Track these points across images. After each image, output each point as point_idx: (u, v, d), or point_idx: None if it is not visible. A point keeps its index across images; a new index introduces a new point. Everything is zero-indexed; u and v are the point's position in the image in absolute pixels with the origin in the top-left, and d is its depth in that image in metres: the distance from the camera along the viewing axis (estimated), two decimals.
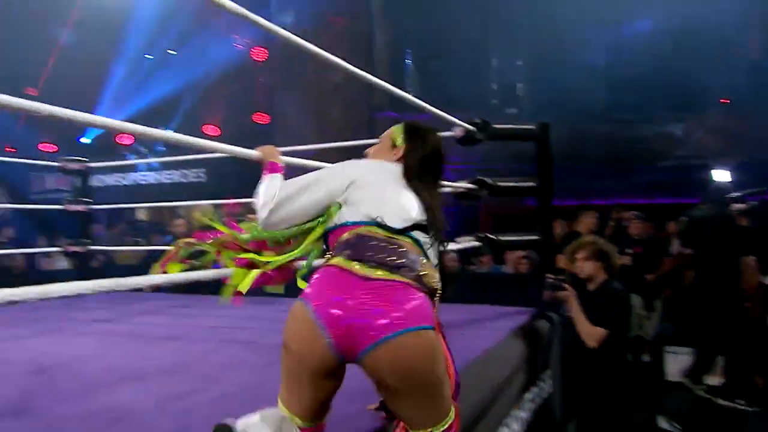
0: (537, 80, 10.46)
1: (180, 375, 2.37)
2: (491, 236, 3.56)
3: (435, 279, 1.36)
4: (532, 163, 3.79)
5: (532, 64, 10.61)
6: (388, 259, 1.29)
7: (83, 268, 5.59)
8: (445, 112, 3.26)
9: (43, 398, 2.09)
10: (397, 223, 1.39)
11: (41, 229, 7.67)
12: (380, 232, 1.37)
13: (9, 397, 2.10)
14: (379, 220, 1.39)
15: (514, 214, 8.76)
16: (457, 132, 3.58)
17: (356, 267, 1.27)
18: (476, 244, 3.55)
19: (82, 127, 10.31)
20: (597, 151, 9.17)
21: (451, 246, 3.52)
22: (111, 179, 10.20)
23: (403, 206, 1.45)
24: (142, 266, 6.19)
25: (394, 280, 1.26)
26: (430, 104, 3.08)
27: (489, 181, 3.64)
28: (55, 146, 10.25)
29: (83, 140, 10.74)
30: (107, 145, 10.34)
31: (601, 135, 9.46)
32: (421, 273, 1.31)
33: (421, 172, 1.55)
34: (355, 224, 1.40)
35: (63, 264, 6.22)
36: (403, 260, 1.30)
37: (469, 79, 9.76)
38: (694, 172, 8.87)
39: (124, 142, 9.99)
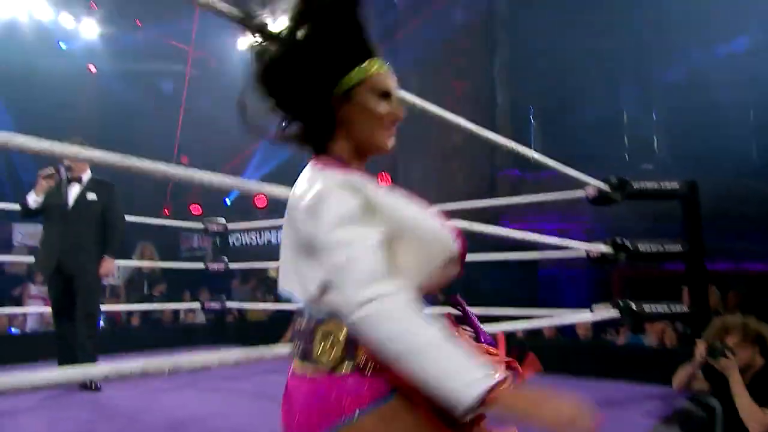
0: (674, 133, 9.72)
1: None
2: (632, 304, 3.20)
3: (328, 347, 0.96)
4: (673, 222, 3.41)
5: (668, 115, 9.90)
6: (299, 349, 1.02)
7: (218, 323, 5.91)
8: (573, 169, 3.06)
9: None
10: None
11: (188, 284, 8.29)
12: None
13: None
14: None
15: (653, 278, 8.00)
16: (589, 191, 3.33)
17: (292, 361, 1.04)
18: (614, 314, 3.20)
19: (226, 190, 11.22)
20: (749, 209, 8.16)
21: (586, 316, 3.23)
22: (246, 238, 10.91)
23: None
24: (271, 323, 6.44)
25: (299, 375, 1.00)
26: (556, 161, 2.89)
27: (628, 243, 3.31)
28: (200, 208, 11.22)
29: (227, 201, 11.68)
30: (245, 206, 11.12)
31: (754, 190, 8.44)
32: (314, 350, 0.96)
33: None
34: None
35: (202, 318, 6.62)
36: (304, 346, 0.99)
37: (598, 134, 9.30)
38: None
39: (259, 205, 10.69)
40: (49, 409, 3.00)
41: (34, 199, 3.57)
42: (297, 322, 1.04)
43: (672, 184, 3.40)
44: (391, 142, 1.14)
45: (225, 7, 1.60)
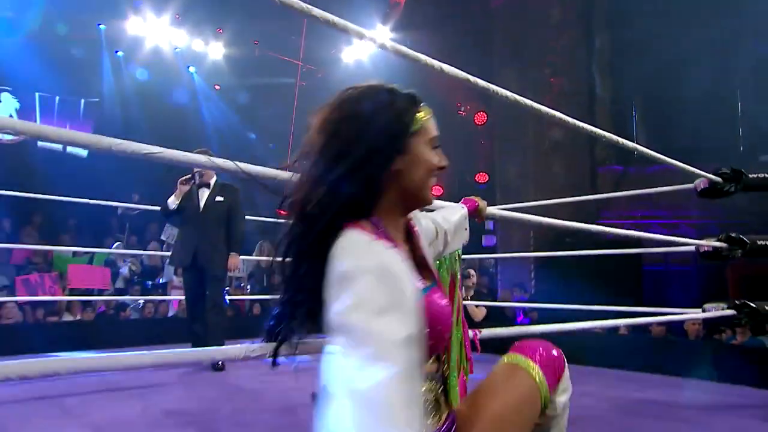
0: None
1: None
2: (752, 304, 2.86)
3: None
4: None
5: None
6: None
7: None
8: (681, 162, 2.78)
9: None
10: None
11: None
12: None
13: None
14: None
15: None
16: (699, 184, 3.02)
17: None
18: (730, 312, 2.88)
19: None
20: None
21: (697, 314, 2.94)
22: None
23: None
24: None
25: None
26: (662, 154, 2.64)
27: (744, 238, 2.97)
28: None
29: None
30: None
31: None
32: None
33: None
34: None
35: None
36: None
37: (707, 125, 8.46)
38: None
39: None
40: (182, 385, 3.24)
41: (172, 202, 3.91)
42: None
43: None
44: (433, 196, 1.05)
45: (330, 17, 1.62)
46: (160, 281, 7.77)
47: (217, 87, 11.65)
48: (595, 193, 7.22)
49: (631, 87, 9.66)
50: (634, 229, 3.01)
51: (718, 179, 2.99)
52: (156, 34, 9.87)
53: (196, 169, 3.85)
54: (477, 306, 5.30)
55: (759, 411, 2.62)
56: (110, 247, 7.85)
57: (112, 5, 9.16)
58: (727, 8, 8.27)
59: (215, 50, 10.85)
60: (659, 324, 4.71)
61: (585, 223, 2.52)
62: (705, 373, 3.56)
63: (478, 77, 1.88)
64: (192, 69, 11.10)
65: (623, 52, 9.42)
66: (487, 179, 10.38)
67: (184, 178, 3.89)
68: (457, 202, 1.69)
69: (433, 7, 9.81)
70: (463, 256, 1.48)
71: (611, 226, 2.96)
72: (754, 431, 2.27)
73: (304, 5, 1.41)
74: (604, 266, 6.33)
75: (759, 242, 2.97)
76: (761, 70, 8.88)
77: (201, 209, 3.86)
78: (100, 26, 9.76)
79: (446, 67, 1.80)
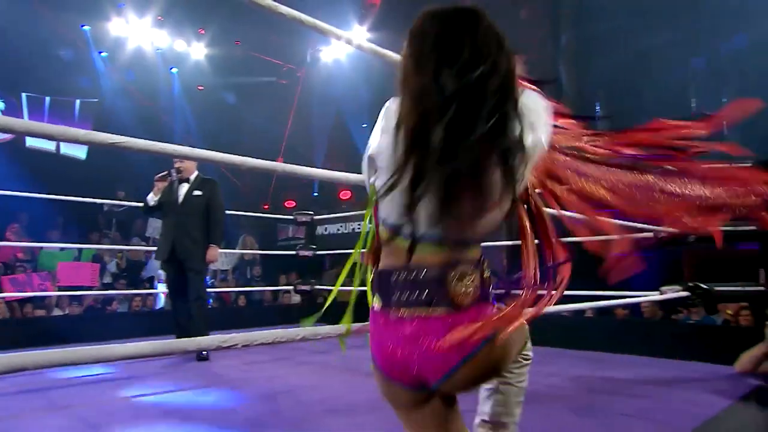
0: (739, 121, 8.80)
1: (384, 411, 2.31)
2: (703, 286, 2.92)
3: (466, 286, 1.00)
4: None
5: (740, 96, 8.98)
6: (416, 297, 1.00)
7: (311, 304, 6.08)
8: None
9: (267, 426, 2.18)
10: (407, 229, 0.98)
11: (284, 269, 8.60)
12: (399, 244, 1.01)
13: (244, 419, 2.24)
14: (391, 223, 1.02)
15: (725, 258, 7.30)
16: None
17: (392, 311, 1.03)
18: (684, 294, 2.94)
19: (312, 183, 11.53)
20: None
21: (655, 296, 2.99)
22: (333, 228, 11.15)
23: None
24: (358, 303, 6.53)
25: (431, 317, 0.99)
26: None
27: None
28: (294, 202, 11.59)
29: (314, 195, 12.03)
30: (333, 199, 11.36)
31: None
32: (451, 292, 0.99)
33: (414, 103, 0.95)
34: (383, 233, 1.05)
35: (297, 299, 6.84)
36: (430, 293, 0.99)
37: (668, 115, 8.59)
38: None
39: (343, 198, 10.89)
40: (167, 375, 3.20)
41: (151, 198, 3.84)
42: (398, 277, 1.02)
43: (743, 164, 3.06)
44: None
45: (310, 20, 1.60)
46: (148, 276, 7.66)
47: (200, 88, 11.46)
48: None
49: (595, 82, 9.76)
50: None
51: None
52: (138, 35, 9.65)
53: (176, 165, 3.79)
54: None
55: (709, 384, 2.69)
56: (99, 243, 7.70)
57: (95, 7, 8.94)
58: (687, 7, 8.38)
59: (197, 50, 10.66)
60: (624, 306, 4.78)
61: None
62: (663, 351, 3.63)
63: None
64: (174, 70, 10.90)
65: (589, 48, 9.51)
66: None
67: (159, 174, 3.83)
68: None
69: (408, 7, 9.74)
70: None
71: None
72: (704, 403, 2.33)
73: (271, 3, 1.38)
74: (571, 252, 6.40)
75: None
76: (716, 67, 9.06)
77: (179, 203, 3.79)
78: (84, 27, 9.51)
79: None
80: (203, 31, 10.37)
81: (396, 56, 1.74)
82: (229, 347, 1.51)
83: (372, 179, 1.09)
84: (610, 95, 9.78)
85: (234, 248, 8.73)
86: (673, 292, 2.97)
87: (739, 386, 2.61)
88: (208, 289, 6.48)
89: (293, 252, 5.48)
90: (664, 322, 4.70)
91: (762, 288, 2.94)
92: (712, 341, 3.56)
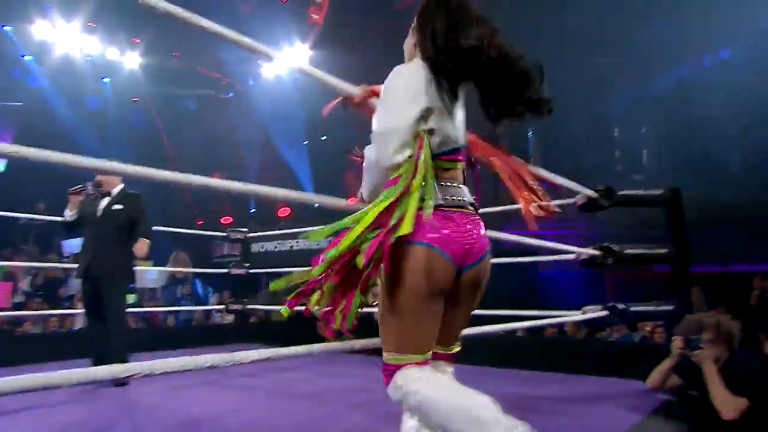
0: (662, 144, 9.49)
1: None
2: (621, 306, 3.08)
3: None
4: (662, 231, 3.28)
5: (656, 128, 9.68)
6: (465, 199, 1.41)
7: (243, 324, 5.89)
8: (566, 179, 2.95)
9: None
10: (453, 148, 1.44)
11: (216, 288, 8.31)
12: (447, 165, 1.41)
13: None
14: (445, 149, 1.41)
15: (645, 279, 7.78)
16: (579, 199, 3.23)
17: (453, 211, 1.37)
18: (604, 314, 3.08)
19: (247, 200, 11.29)
20: (736, 215, 7.89)
21: (577, 316, 3.11)
22: (271, 245, 10.92)
23: (456, 124, 1.45)
24: (291, 324, 6.38)
25: (474, 215, 1.42)
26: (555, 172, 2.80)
27: (615, 248, 3.19)
28: (231, 218, 11.29)
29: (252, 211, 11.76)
30: (270, 216, 11.15)
31: (741, 196, 8.18)
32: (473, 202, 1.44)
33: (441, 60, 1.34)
34: (438, 156, 1.38)
35: (230, 318, 6.60)
36: (468, 197, 1.43)
37: (592, 147, 9.13)
38: None
39: (281, 215, 10.72)
40: (80, 403, 2.97)
41: (68, 213, 3.60)
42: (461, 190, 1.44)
43: (656, 192, 3.29)
44: None
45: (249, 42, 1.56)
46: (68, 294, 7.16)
47: (135, 99, 11.02)
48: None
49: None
50: (529, 239, 3.13)
51: (595, 195, 3.20)
52: (66, 40, 9.17)
53: (98, 178, 3.58)
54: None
55: (625, 400, 2.80)
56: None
57: (17, 7, 8.43)
58: (611, 45, 8.96)
59: (131, 60, 10.26)
60: (553, 325, 4.95)
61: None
62: (588, 369, 3.76)
63: None
64: (107, 79, 10.44)
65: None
66: None
67: (73, 188, 3.58)
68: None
69: (349, 27, 9.85)
70: None
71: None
72: (619, 418, 2.42)
73: (189, 15, 1.34)
74: (503, 273, 6.59)
75: (627, 251, 3.21)
76: (634, 102, 9.74)
77: (98, 217, 3.56)
78: (5, 27, 8.94)
79: (346, 86, 1.77)
80: (138, 40, 10.02)
81: (325, 76, 1.73)
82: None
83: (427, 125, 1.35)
84: (542, 126, 10.29)
85: (165, 265, 8.36)
86: (593, 312, 3.11)
87: (650, 401, 2.74)
88: (134, 309, 6.15)
89: (225, 270, 5.30)
90: (588, 340, 4.90)
91: (671, 307, 3.13)
92: (630, 358, 3.73)
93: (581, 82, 9.08)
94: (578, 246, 3.47)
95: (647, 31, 8.79)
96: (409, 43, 1.47)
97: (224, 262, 10.37)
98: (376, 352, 1.45)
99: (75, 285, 6.81)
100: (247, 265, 5.29)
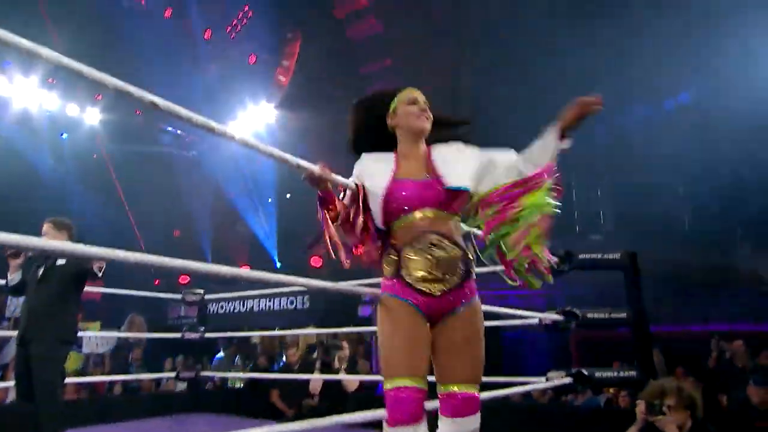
0: (618, 206, 9.82)
1: None
2: (585, 372, 3.04)
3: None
4: (621, 289, 3.32)
5: (612, 190, 10.05)
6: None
7: (198, 391, 5.56)
8: None
9: None
10: None
11: (169, 353, 7.88)
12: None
13: None
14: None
15: (608, 340, 7.81)
16: None
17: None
18: (568, 381, 3.04)
19: (206, 258, 10.97)
20: (693, 276, 8.10)
21: (542, 383, 3.05)
22: (230, 306, 10.56)
23: None
24: (248, 390, 6.07)
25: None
26: None
27: (578, 312, 3.19)
28: (188, 277, 10.90)
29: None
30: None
31: (695, 256, 8.44)
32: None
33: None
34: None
35: (182, 386, 6.21)
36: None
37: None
38: None
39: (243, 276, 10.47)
40: None
41: (10, 278, 3.35)
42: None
43: (614, 255, 3.35)
44: (423, 125, 1.83)
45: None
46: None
47: (94, 156, 10.80)
48: None
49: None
50: (493, 301, 3.11)
51: (555, 259, 3.22)
52: (24, 95, 8.99)
53: (44, 236, 3.38)
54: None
55: None
56: None
57: None
58: (568, 100, 9.29)
59: (91, 116, 10.12)
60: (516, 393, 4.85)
61: None
62: None
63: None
64: (65, 135, 10.23)
65: (479, 134, 10.21)
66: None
67: (10, 251, 3.24)
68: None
69: (313, 89, 10.04)
70: (336, 330, 3.17)
71: None
72: None
73: (158, 100, 1.32)
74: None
75: (589, 315, 3.21)
76: (590, 161, 10.12)
77: (38, 278, 3.30)
78: None
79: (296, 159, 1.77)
80: (100, 96, 9.93)
81: (268, 148, 1.75)
82: None
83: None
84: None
85: (119, 328, 7.91)
86: (558, 379, 3.06)
87: None
88: (77, 378, 5.71)
89: (178, 334, 5.03)
90: (553, 405, 4.81)
91: (634, 373, 3.11)
92: (596, 422, 3.67)
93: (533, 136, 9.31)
94: (542, 306, 3.46)
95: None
96: None
97: (180, 325, 9.93)
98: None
99: (11, 352, 6.33)
100: (203, 328, 5.05)
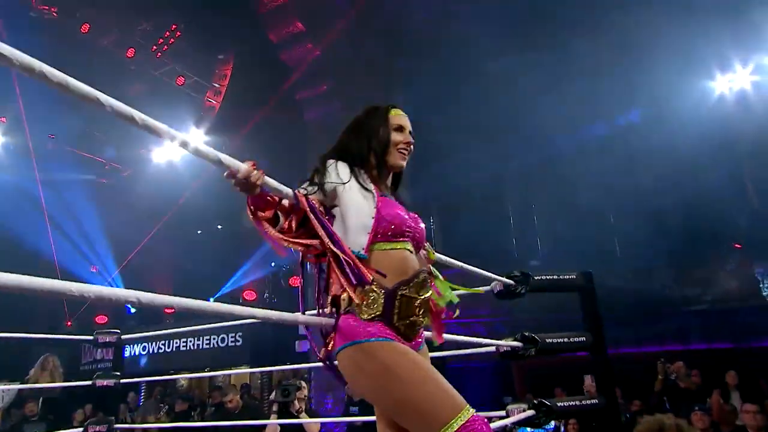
0: (552, 231, 10.02)
1: None
2: (547, 402, 2.81)
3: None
4: (561, 312, 3.17)
5: (546, 216, 10.27)
6: None
7: None
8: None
9: None
10: None
11: (80, 402, 7.00)
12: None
13: None
14: None
15: (550, 365, 7.77)
16: (496, 286, 3.03)
17: None
18: (530, 413, 2.80)
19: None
20: (624, 299, 8.28)
21: (504, 421, 2.80)
22: (154, 346, 9.65)
23: None
24: None
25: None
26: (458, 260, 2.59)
27: (536, 337, 2.99)
28: (106, 317, 9.92)
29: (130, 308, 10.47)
30: (155, 313, 9.97)
31: (625, 280, 8.68)
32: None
33: None
34: None
35: None
36: None
37: (489, 234, 9.37)
38: (725, 316, 7.98)
39: (167, 312, 9.62)
40: None
41: None
42: None
43: (570, 275, 3.20)
44: (402, 163, 1.63)
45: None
46: None
47: None
48: None
49: (428, 197, 10.40)
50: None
51: (511, 282, 3.03)
52: None
53: None
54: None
55: None
56: None
57: None
58: (507, 138, 9.41)
59: None
60: None
61: None
62: None
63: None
64: None
65: (421, 163, 10.16)
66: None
67: None
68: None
69: (241, 113, 9.63)
70: (282, 367, 3.35)
71: None
72: None
73: (100, 95, 0.99)
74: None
75: (548, 340, 3.02)
76: (527, 195, 10.33)
77: None
78: None
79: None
80: (4, 120, 8.97)
81: (224, 157, 1.40)
82: None
83: None
84: (441, 210, 10.53)
85: (27, 373, 6.93)
86: (519, 411, 2.81)
87: None
88: None
89: (89, 381, 4.35)
90: None
91: (596, 401, 2.93)
92: None
93: (476, 166, 9.39)
94: (484, 335, 3.25)
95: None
96: None
97: (93, 370, 8.91)
98: None
99: None
100: (118, 373, 4.41)
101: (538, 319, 7.13)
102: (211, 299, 10.36)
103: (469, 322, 8.94)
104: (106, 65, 7.75)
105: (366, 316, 1.38)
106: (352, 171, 1.52)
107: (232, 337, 9.05)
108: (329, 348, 1.46)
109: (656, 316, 8.54)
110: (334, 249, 1.37)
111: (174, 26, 8.34)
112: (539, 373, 7.77)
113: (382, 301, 1.39)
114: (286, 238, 1.40)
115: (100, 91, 1.06)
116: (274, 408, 3.93)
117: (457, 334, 3.22)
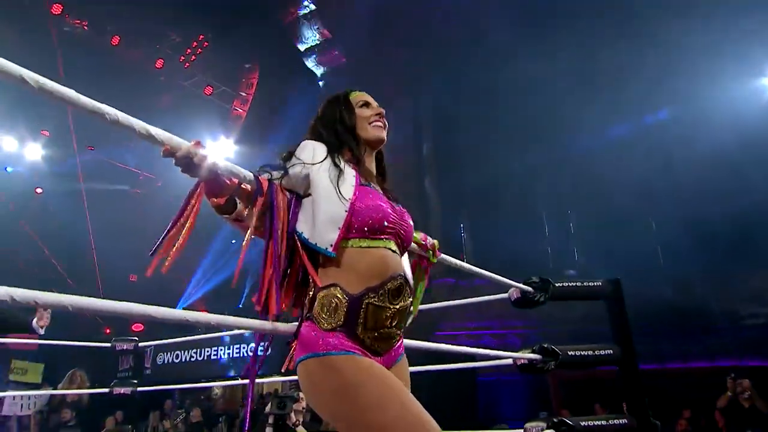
0: (590, 242, 9.60)
1: None
2: (568, 421, 2.59)
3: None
4: (604, 324, 2.93)
5: (583, 225, 9.85)
6: None
7: None
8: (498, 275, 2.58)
9: None
10: None
11: (110, 411, 7.11)
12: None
13: None
14: None
15: (590, 378, 7.38)
16: (512, 294, 2.84)
17: None
18: None
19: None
20: (667, 312, 7.79)
21: None
22: (186, 355, 9.75)
23: None
24: None
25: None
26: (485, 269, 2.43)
27: (556, 349, 2.76)
28: (142, 324, 10.13)
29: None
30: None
31: (670, 292, 8.17)
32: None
33: None
34: None
35: None
36: None
37: (523, 243, 9.06)
38: None
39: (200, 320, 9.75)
40: None
41: None
42: None
43: (595, 283, 2.96)
44: (381, 134, 1.50)
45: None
46: None
47: (38, 191, 10.12)
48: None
49: (460, 208, 10.20)
50: (467, 340, 2.69)
51: (529, 289, 2.83)
52: None
53: None
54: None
55: None
56: None
57: None
58: (540, 139, 9.17)
59: (33, 151, 9.46)
60: None
61: (424, 333, 2.13)
62: None
63: None
64: (10, 169, 9.59)
65: (453, 175, 9.99)
66: None
67: None
68: None
69: (268, 122, 9.68)
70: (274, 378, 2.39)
71: (447, 338, 2.62)
72: None
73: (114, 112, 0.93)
74: (440, 381, 6.01)
75: (570, 352, 2.79)
76: (562, 200, 9.96)
77: None
78: None
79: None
80: (47, 133, 9.33)
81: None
82: None
83: None
84: (473, 218, 10.26)
85: (55, 386, 7.10)
86: (537, 430, 2.60)
87: None
88: None
89: (104, 389, 4.36)
90: None
91: (624, 421, 2.68)
92: None
93: (512, 173, 9.17)
94: (518, 347, 3.04)
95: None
96: None
97: (128, 377, 9.07)
98: None
99: None
100: (136, 381, 4.41)
101: (575, 332, 6.80)
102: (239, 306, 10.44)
103: (502, 333, 8.65)
104: (137, 76, 7.96)
105: (326, 325, 1.22)
106: (329, 154, 1.36)
107: (262, 345, 9.06)
108: (292, 358, 1.31)
109: (704, 329, 8.01)
110: (269, 241, 1.22)
111: (201, 36, 8.49)
112: (577, 387, 7.40)
113: (345, 309, 1.22)
114: (245, 226, 1.26)
115: (132, 102, 1.00)
116: (270, 420, 3.81)
117: (490, 346, 3.04)
